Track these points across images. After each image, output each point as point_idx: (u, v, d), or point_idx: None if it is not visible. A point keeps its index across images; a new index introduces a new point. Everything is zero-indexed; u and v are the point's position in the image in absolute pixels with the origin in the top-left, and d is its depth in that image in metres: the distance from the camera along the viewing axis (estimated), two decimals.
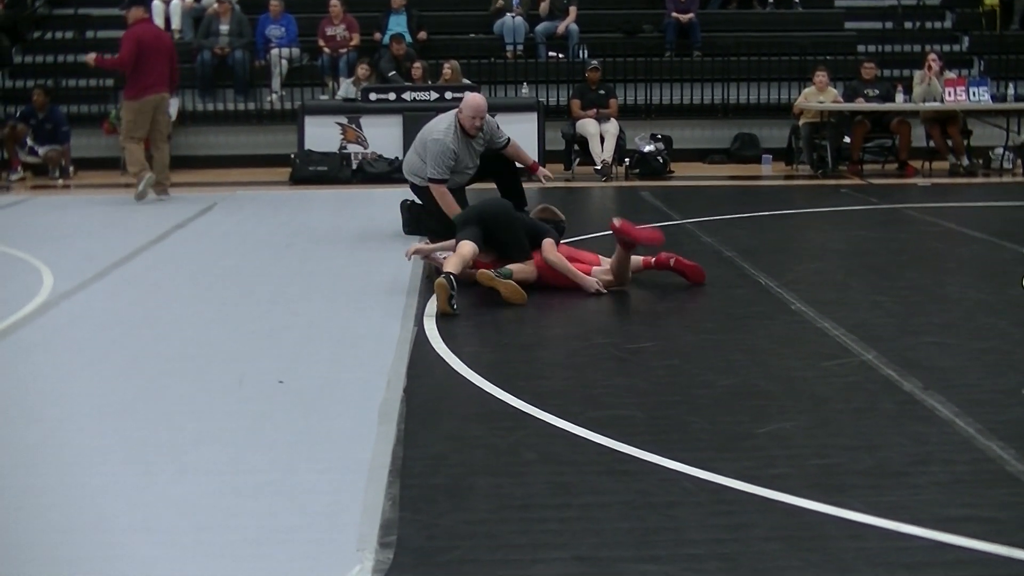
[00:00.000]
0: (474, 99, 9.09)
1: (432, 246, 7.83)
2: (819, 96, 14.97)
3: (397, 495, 3.97)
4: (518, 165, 9.97)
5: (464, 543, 3.62)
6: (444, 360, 5.77)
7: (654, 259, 7.58)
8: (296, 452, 4.47)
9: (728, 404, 5.06)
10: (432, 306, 6.92)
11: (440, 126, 9.15)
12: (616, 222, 7.28)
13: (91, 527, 3.79)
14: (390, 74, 15.79)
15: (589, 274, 7.39)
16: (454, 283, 6.82)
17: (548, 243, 7.44)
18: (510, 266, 7.23)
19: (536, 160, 10.40)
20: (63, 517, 3.87)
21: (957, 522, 3.71)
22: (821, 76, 14.99)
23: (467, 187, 9.42)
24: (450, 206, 9.03)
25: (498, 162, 9.63)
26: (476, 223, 7.47)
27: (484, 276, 7.07)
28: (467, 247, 7.22)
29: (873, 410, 4.95)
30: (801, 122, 15.04)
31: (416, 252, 7.77)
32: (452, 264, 7.04)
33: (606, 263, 7.54)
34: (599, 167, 14.39)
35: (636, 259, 7.53)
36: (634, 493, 4.00)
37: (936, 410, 4.87)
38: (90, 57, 12.94)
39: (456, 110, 9.20)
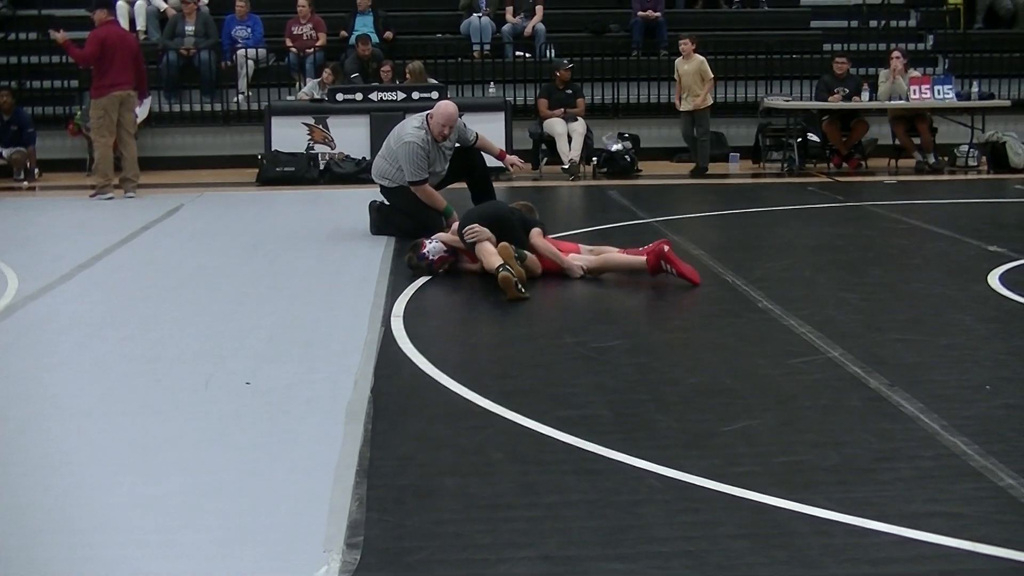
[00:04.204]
0: (446, 107, 9.13)
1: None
2: (684, 65, 14.71)
3: (364, 495, 3.97)
4: (488, 164, 10.00)
5: (431, 543, 3.61)
6: (411, 360, 5.77)
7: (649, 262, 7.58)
8: (263, 453, 4.45)
9: (695, 402, 5.08)
10: (400, 306, 6.93)
11: (409, 128, 9.17)
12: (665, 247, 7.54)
13: (58, 528, 3.77)
14: (353, 75, 15.76)
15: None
16: (511, 269, 7.10)
17: (536, 231, 7.82)
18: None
19: (503, 148, 10.44)
20: (30, 518, 3.85)
21: (922, 517, 3.74)
22: (684, 44, 14.74)
23: (439, 189, 9.44)
24: (436, 201, 9.10)
25: (468, 162, 9.66)
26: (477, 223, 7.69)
27: (504, 251, 7.29)
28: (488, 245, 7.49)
29: (839, 407, 4.97)
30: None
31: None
32: (493, 255, 7.30)
33: (585, 250, 7.90)
34: (567, 166, 14.39)
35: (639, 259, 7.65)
36: (601, 492, 4.01)
37: (901, 406, 4.90)
38: (60, 35, 13.18)
39: (427, 113, 9.22)
